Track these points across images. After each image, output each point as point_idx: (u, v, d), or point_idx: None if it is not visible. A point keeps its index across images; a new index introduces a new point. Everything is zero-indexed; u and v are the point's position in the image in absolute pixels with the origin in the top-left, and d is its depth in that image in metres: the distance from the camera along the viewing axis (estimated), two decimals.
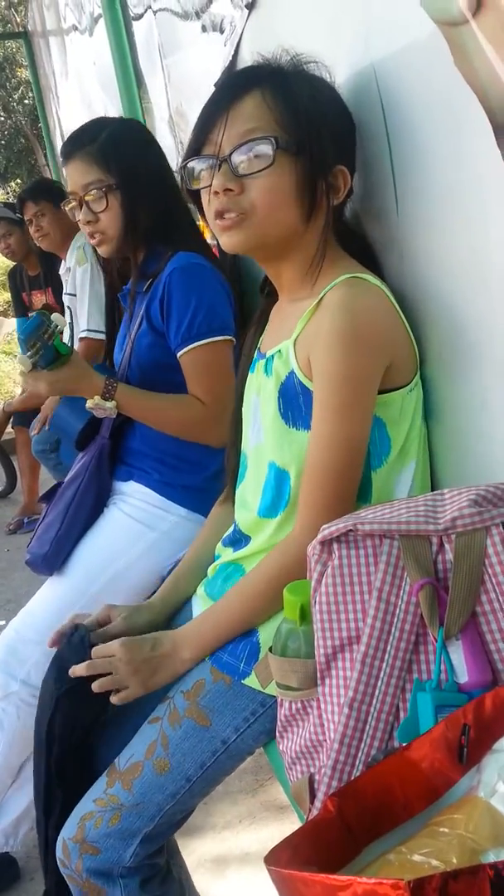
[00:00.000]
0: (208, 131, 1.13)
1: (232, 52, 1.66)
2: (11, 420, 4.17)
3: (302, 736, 0.99)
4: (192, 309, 1.65)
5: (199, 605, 1.35)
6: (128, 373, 1.78)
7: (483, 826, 0.66)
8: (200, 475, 1.75)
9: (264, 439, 1.23)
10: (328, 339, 1.09)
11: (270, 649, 1.03)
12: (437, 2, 0.92)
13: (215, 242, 1.24)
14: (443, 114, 0.99)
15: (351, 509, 1.07)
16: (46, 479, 3.85)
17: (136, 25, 2.63)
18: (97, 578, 1.71)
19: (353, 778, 0.86)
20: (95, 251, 1.83)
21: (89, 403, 1.72)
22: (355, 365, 1.09)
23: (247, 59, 1.59)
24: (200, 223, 1.68)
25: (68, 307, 3.30)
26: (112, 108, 3.07)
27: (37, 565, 1.77)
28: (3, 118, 15.47)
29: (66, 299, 3.41)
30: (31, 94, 12.22)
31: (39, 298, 4.17)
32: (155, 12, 2.32)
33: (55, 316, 1.70)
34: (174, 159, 2.06)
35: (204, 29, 1.88)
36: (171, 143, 2.42)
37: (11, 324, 7.12)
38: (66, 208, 1.77)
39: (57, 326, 1.68)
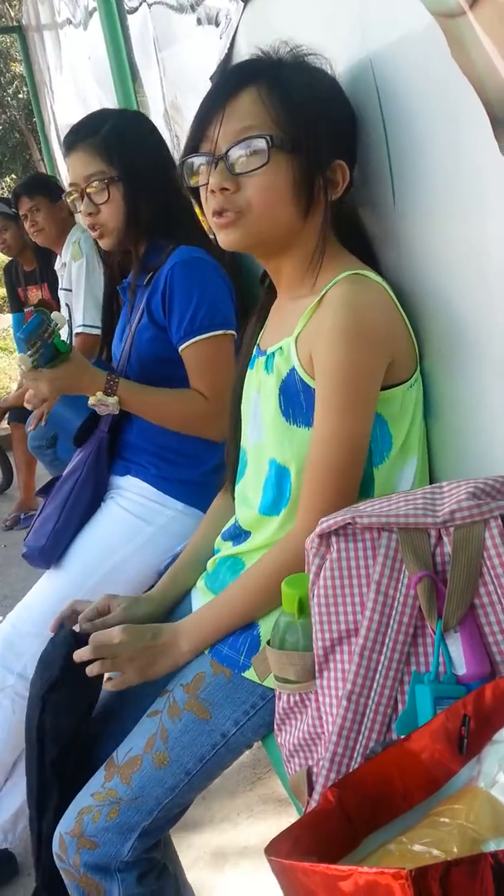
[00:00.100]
0: (205, 128, 1.13)
1: (227, 46, 1.66)
2: (7, 416, 4.17)
3: (300, 729, 1.00)
4: (194, 303, 1.65)
5: (199, 598, 1.35)
6: (127, 366, 1.78)
7: (483, 816, 0.67)
8: (198, 469, 1.75)
9: (265, 436, 1.23)
10: (330, 337, 1.09)
11: (268, 642, 1.03)
12: None
13: (212, 237, 1.24)
14: (440, 106, 0.99)
15: None
16: (42, 475, 3.85)
17: (130, 19, 2.62)
18: (94, 572, 1.71)
19: (351, 770, 0.86)
20: (94, 245, 1.82)
21: (92, 400, 1.71)
22: (357, 362, 1.09)
23: (242, 53, 1.58)
24: (200, 217, 1.68)
25: (66, 304, 3.30)
26: (107, 102, 3.06)
27: (34, 558, 1.77)
28: None
29: (61, 295, 3.40)
30: (25, 89, 12.16)
31: (35, 294, 4.16)
32: (150, 5, 2.31)
33: (55, 314, 1.69)
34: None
35: (199, 22, 1.87)
36: (167, 136, 2.41)
37: (7, 319, 7.10)
38: (68, 200, 1.76)
39: (57, 324, 1.68)
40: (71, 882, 1.24)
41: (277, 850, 0.68)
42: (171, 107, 2.36)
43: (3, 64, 14.94)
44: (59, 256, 3.48)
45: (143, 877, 1.25)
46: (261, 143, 1.09)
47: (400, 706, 0.88)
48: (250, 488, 1.27)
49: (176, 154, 1.89)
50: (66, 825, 1.23)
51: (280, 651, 1.00)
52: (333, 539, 0.91)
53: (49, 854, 1.26)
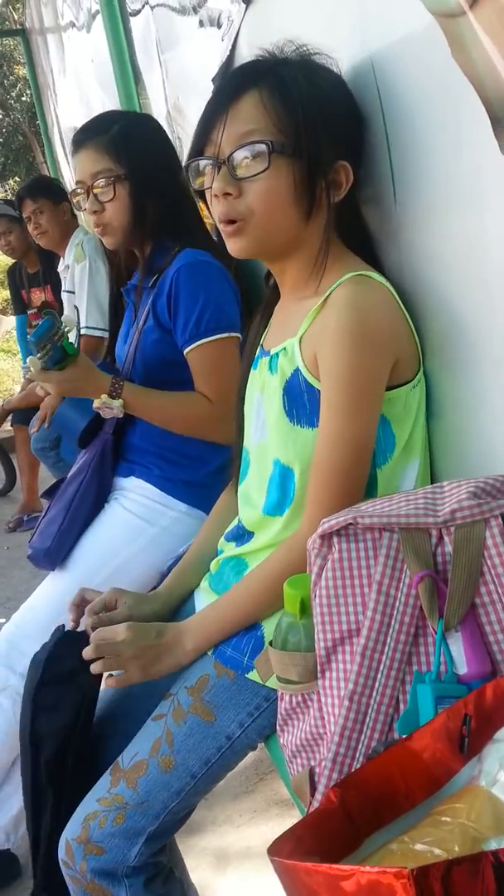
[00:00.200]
0: (209, 131, 1.14)
1: (229, 47, 1.66)
2: (10, 418, 4.17)
3: (302, 729, 1.00)
4: (199, 306, 1.65)
5: (203, 598, 1.35)
6: (132, 368, 1.78)
7: (485, 815, 0.67)
8: (201, 471, 1.75)
9: (268, 437, 1.23)
10: (335, 338, 1.09)
11: (271, 643, 1.03)
12: None
13: (216, 238, 1.24)
14: (440, 106, 0.99)
15: None
16: (46, 477, 3.85)
17: (133, 21, 2.63)
18: (98, 573, 1.71)
19: (353, 770, 0.86)
20: (97, 248, 1.82)
21: (96, 403, 1.71)
22: (362, 364, 1.09)
23: (244, 54, 1.59)
24: (206, 219, 1.68)
25: (74, 305, 3.30)
26: (110, 104, 3.06)
27: (39, 560, 1.77)
28: (0, 116, 15.46)
29: (64, 297, 3.41)
30: (28, 92, 12.19)
31: (38, 296, 4.17)
32: (152, 8, 2.32)
33: (65, 316, 1.70)
34: None
35: (201, 24, 1.87)
36: (170, 138, 2.42)
37: (11, 322, 7.11)
38: (74, 198, 1.76)
39: (66, 327, 1.69)
40: (77, 888, 1.23)
41: (280, 850, 0.69)
42: (174, 109, 2.36)
43: (7, 67, 14.98)
44: (62, 259, 3.49)
45: (150, 881, 1.24)
46: (262, 148, 1.09)
47: (402, 706, 0.88)
48: (254, 489, 1.27)
49: (180, 156, 1.90)
50: (72, 831, 1.22)
51: (282, 652, 1.00)
52: (335, 539, 0.92)
53: (46, 853, 1.26)
